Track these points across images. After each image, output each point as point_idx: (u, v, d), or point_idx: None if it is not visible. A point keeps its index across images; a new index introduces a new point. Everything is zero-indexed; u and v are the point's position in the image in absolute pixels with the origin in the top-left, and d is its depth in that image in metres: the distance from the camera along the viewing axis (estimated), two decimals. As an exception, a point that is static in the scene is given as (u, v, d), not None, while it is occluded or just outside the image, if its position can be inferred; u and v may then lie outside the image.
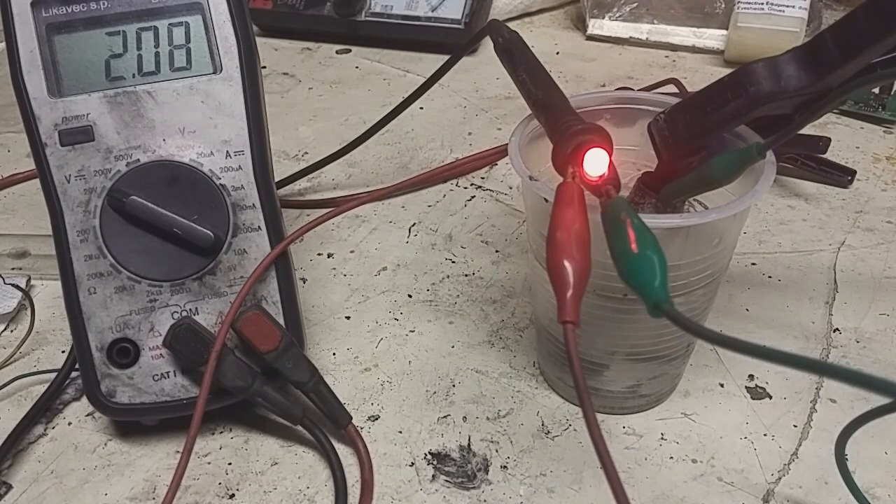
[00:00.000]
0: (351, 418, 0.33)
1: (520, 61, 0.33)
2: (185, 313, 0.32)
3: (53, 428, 0.35)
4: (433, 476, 0.32)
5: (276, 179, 0.39)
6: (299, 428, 0.33)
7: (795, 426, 0.33)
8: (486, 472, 0.32)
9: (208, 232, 0.31)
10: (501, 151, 0.53)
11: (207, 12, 0.32)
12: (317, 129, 0.59)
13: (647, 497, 0.30)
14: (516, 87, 0.33)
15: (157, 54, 0.32)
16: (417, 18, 0.70)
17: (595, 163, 0.27)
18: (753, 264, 0.43)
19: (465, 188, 0.51)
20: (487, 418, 0.34)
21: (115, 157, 0.31)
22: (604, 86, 0.63)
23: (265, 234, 0.33)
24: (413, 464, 0.32)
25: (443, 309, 0.41)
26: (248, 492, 0.31)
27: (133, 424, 0.34)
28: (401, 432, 0.34)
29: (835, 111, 0.57)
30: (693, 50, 0.69)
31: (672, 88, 0.55)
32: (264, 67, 0.68)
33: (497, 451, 0.33)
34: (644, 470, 0.32)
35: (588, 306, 0.27)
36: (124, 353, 0.32)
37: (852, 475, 0.29)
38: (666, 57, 0.69)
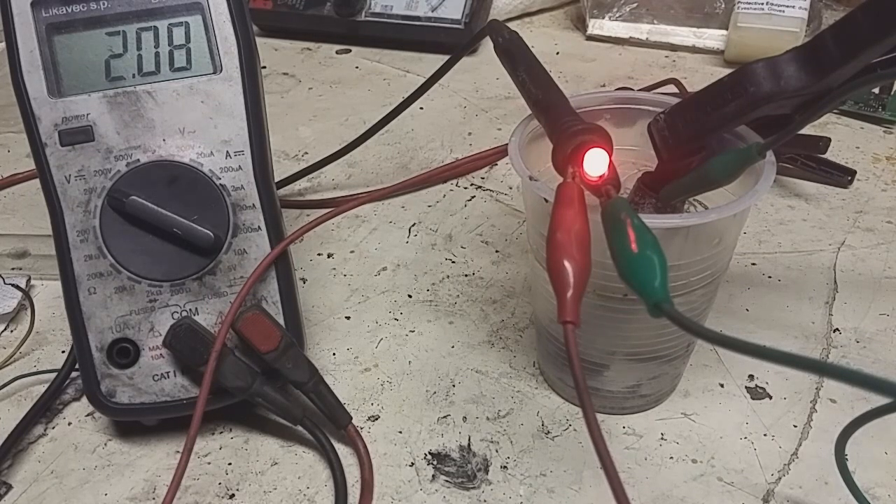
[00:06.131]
0: (351, 418, 0.33)
1: (520, 61, 0.33)
2: (185, 313, 0.32)
3: (53, 428, 0.35)
4: (433, 476, 0.32)
5: (276, 179, 0.39)
6: (299, 428, 0.33)
7: (795, 426, 0.33)
8: (486, 472, 0.32)
9: (208, 232, 0.31)
10: (501, 151, 0.53)
11: (207, 12, 0.32)
12: (317, 129, 0.59)
13: (647, 497, 0.30)
14: (516, 87, 0.33)
15: (157, 54, 0.32)
16: (417, 18, 0.70)
17: (595, 163, 0.27)
18: (753, 264, 0.43)
19: (465, 188, 0.51)
20: (487, 418, 0.34)
21: (115, 157, 0.31)
22: (604, 86, 0.63)
23: (265, 234, 0.33)
24: (413, 464, 0.32)
25: (443, 309, 0.41)
26: (248, 492, 0.31)
27: (133, 424, 0.34)
28: (401, 432, 0.34)
29: (835, 111, 0.57)
30: (693, 50, 0.69)
31: (672, 88, 0.55)
32: (264, 67, 0.68)
33: (497, 451, 0.33)
34: (644, 470, 0.32)
35: (588, 306, 0.27)
36: (124, 353, 0.32)
37: (852, 475, 0.29)
38: (666, 57, 0.69)
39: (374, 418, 0.34)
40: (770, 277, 0.42)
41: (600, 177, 0.27)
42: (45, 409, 0.35)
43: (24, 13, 0.31)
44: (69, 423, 0.35)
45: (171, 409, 0.32)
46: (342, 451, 0.33)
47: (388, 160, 0.54)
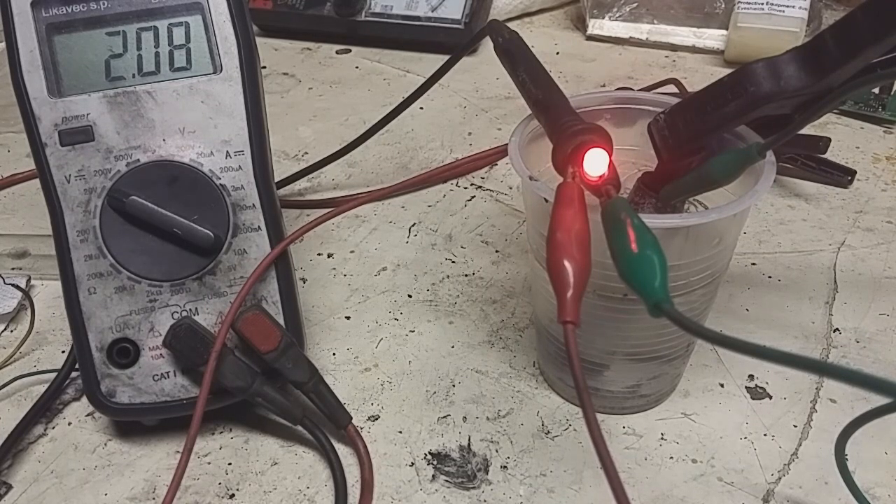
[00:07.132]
0: (351, 418, 0.33)
1: (520, 61, 0.33)
2: (185, 313, 0.32)
3: (53, 428, 0.35)
4: (433, 476, 0.32)
5: (276, 179, 0.39)
6: (299, 428, 0.33)
7: (795, 426, 0.33)
8: (486, 472, 0.32)
9: (208, 232, 0.31)
10: (501, 151, 0.53)
11: (207, 12, 0.32)
12: (317, 129, 0.59)
13: (647, 497, 0.30)
14: (516, 87, 0.33)
15: (157, 54, 0.32)
16: (417, 18, 0.70)
17: (595, 163, 0.27)
18: (753, 264, 0.43)
19: (465, 188, 0.51)
20: (487, 418, 0.34)
21: (115, 157, 0.31)
22: (604, 86, 0.63)
23: (265, 234, 0.33)
24: (413, 464, 0.32)
25: (443, 309, 0.41)
26: (248, 492, 0.31)
27: (133, 424, 0.34)
28: (401, 432, 0.34)
29: (835, 111, 0.57)
30: (693, 50, 0.69)
31: (672, 88, 0.55)
32: (264, 67, 0.68)
33: (497, 451, 0.33)
34: (644, 470, 0.32)
35: (588, 306, 0.27)
36: (124, 353, 0.32)
37: (852, 475, 0.29)
38: (666, 57, 0.69)
39: (374, 418, 0.34)
40: (770, 277, 0.42)
41: (600, 177, 0.27)
42: (45, 409, 0.35)
43: (24, 13, 0.31)
44: (69, 423, 0.35)
45: (171, 409, 0.32)
46: (342, 451, 0.33)
47: (388, 160, 0.54)
